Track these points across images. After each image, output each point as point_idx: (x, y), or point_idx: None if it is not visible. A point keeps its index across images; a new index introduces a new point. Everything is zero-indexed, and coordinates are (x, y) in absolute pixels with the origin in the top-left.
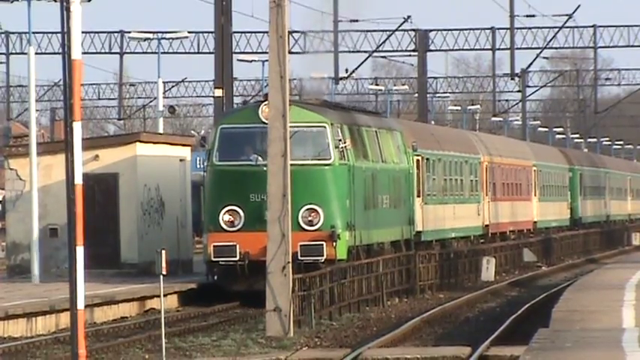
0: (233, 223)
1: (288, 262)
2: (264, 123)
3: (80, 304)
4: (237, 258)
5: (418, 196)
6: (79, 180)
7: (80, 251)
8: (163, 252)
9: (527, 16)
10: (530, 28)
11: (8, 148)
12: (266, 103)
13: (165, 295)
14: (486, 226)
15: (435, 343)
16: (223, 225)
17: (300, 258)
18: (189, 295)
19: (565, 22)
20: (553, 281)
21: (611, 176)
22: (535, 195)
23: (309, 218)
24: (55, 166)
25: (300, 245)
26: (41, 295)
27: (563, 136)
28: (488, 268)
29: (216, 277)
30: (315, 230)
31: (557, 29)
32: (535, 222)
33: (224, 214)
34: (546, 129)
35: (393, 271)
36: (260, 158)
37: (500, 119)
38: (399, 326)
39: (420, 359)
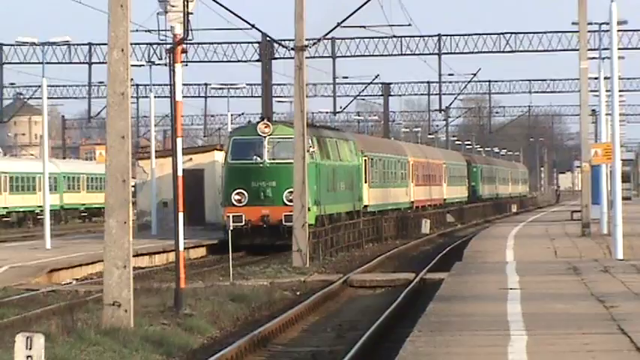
0: (240, 201)
1: (306, 222)
2: (260, 135)
3: (181, 247)
4: (243, 223)
5: (365, 182)
6: (180, 173)
7: (181, 216)
8: (231, 216)
9: (449, 74)
10: (450, 82)
11: (139, 154)
12: (263, 122)
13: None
14: (412, 202)
15: (393, 270)
16: (234, 202)
17: (284, 223)
18: (213, 248)
19: (471, 78)
20: (464, 233)
21: (499, 170)
22: (445, 182)
23: (290, 197)
24: (166, 164)
25: (284, 215)
26: (157, 242)
27: (471, 146)
28: (426, 226)
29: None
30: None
31: (466, 82)
32: (445, 199)
33: (235, 194)
34: (460, 142)
35: (369, 227)
36: (258, 158)
37: (433, 137)
38: (371, 260)
39: (384, 280)
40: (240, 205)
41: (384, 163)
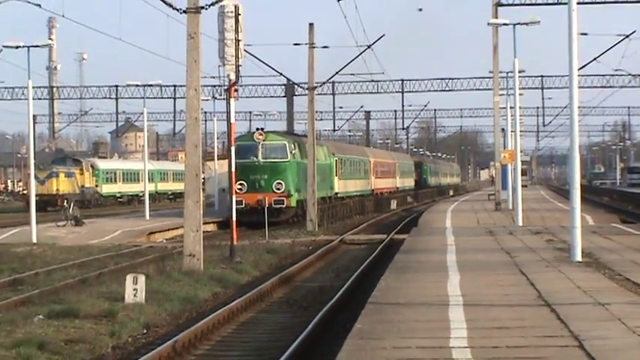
0: (241, 189)
1: (315, 201)
2: (256, 141)
3: (234, 217)
4: (243, 206)
5: (337, 175)
6: (233, 170)
7: (234, 198)
8: (266, 198)
9: (409, 105)
10: (410, 110)
11: (206, 157)
12: (258, 132)
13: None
14: (373, 189)
15: (372, 232)
16: (236, 190)
17: (273, 206)
18: (221, 223)
19: (423, 108)
20: (418, 209)
21: (441, 167)
22: (397, 175)
23: (278, 187)
24: (224, 164)
25: (273, 199)
26: (218, 215)
27: (423, 152)
28: (393, 204)
29: None
30: (281, 192)
31: (420, 110)
32: (398, 187)
33: (237, 185)
34: (416, 150)
35: (357, 205)
36: (255, 158)
37: (398, 146)
38: (358, 226)
39: (367, 239)
40: (241, 192)
41: (351, 162)
